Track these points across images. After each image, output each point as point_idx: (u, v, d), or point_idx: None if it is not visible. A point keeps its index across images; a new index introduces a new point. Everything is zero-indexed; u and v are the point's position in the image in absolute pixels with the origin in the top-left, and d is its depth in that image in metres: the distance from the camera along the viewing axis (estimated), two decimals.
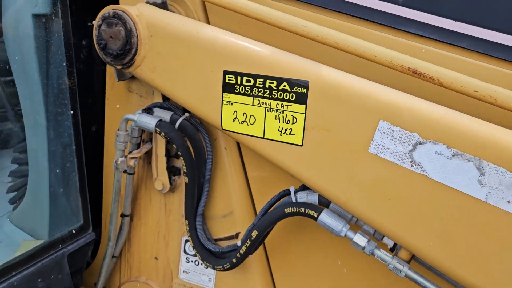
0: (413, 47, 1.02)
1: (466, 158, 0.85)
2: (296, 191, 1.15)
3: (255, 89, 1.04)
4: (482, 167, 0.84)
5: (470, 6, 0.99)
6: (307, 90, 0.98)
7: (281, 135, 1.03)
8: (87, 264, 1.59)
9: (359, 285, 1.24)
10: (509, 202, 0.83)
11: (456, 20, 1.00)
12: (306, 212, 1.07)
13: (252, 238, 1.17)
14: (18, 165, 1.74)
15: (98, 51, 1.22)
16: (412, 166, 0.90)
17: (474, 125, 0.85)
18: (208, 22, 1.25)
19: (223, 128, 1.12)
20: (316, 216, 1.06)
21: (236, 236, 1.35)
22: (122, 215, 1.45)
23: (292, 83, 0.99)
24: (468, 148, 0.84)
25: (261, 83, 1.03)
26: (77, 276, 1.46)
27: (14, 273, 1.20)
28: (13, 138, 1.95)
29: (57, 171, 1.41)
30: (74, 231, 1.39)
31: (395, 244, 1.03)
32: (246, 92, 1.05)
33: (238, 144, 1.30)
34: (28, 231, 1.52)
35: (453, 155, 0.86)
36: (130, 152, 1.35)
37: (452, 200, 0.87)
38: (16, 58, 1.36)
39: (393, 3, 1.04)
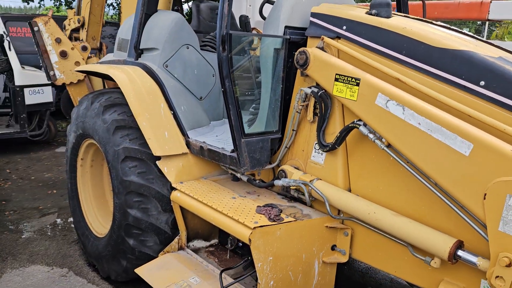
0: (405, 72, 2.85)
1: (400, 105, 2.67)
2: (358, 120, 3.06)
3: (344, 80, 3.01)
4: (403, 108, 2.65)
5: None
6: (359, 81, 2.91)
7: (350, 96, 2.98)
8: (275, 151, 3.74)
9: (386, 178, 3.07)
10: (405, 116, 2.62)
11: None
12: (355, 126, 2.98)
13: (337, 137, 3.13)
14: (253, 110, 4.04)
15: (295, 63, 3.33)
16: (386, 107, 2.75)
17: (405, 96, 2.67)
18: (339, 57, 3.25)
19: (333, 93, 3.11)
20: (359, 127, 2.96)
21: None
22: (293, 130, 3.55)
23: (355, 78, 2.94)
24: (401, 101, 2.66)
25: (346, 78, 3.00)
26: (270, 153, 3.63)
27: (254, 136, 3.41)
28: (249, 103, 4.26)
29: (272, 108, 3.59)
30: (274, 131, 3.55)
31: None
32: (341, 81, 3.03)
33: (342, 105, 3.25)
34: None
35: (397, 104, 2.69)
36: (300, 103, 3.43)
37: (396, 119, 2.69)
38: (267, 63, 3.59)
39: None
